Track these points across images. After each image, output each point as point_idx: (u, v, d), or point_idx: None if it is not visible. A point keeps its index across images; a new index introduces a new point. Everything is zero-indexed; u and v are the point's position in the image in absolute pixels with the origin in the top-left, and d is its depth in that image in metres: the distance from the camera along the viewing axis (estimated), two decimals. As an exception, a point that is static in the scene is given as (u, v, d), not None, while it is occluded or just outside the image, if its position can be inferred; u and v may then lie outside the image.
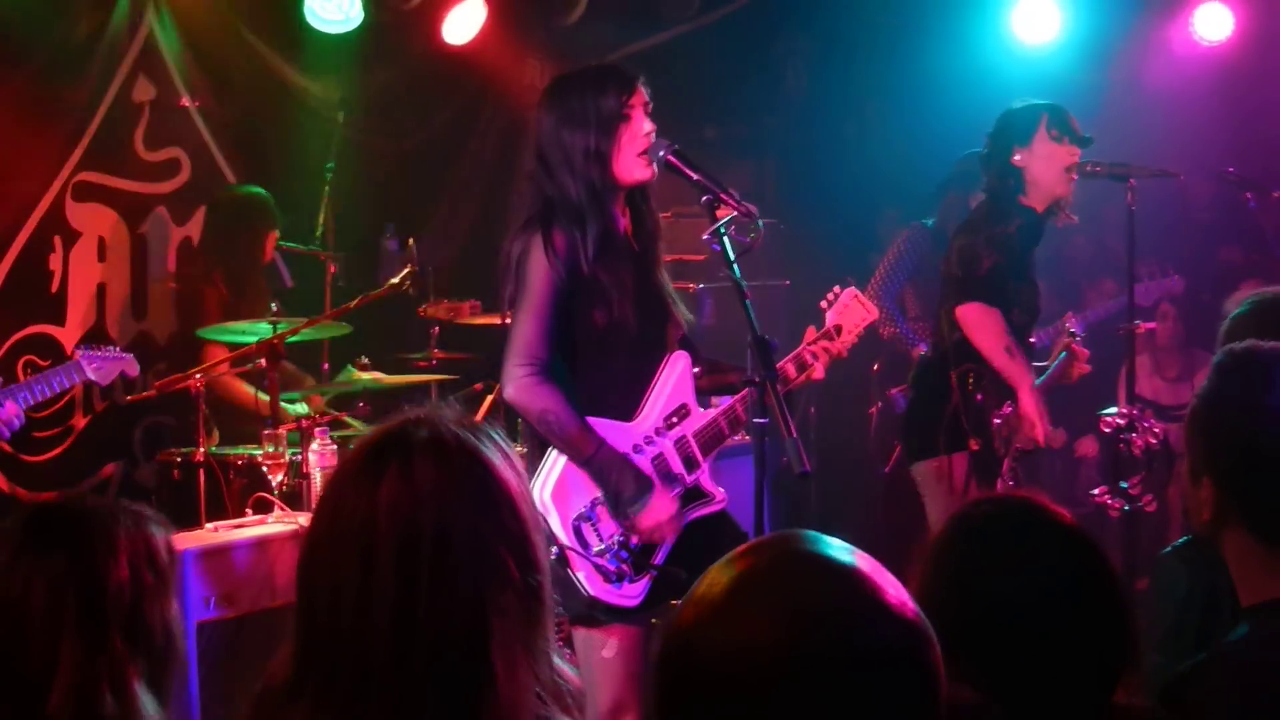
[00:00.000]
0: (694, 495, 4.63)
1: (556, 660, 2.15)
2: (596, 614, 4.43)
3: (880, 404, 8.31)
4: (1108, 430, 5.89)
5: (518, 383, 4.43)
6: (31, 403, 5.63)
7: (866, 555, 1.71)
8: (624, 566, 4.40)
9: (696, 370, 4.71)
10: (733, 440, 4.80)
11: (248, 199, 7.38)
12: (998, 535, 2.31)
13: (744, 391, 4.53)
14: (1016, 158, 5.84)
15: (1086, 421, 6.50)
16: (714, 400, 4.88)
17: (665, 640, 1.70)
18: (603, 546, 4.42)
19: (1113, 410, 5.96)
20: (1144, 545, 6.04)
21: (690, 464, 4.61)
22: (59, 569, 2.80)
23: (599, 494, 4.47)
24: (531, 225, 4.51)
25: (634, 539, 4.45)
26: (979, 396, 5.84)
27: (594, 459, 4.43)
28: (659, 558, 4.50)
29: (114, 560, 2.82)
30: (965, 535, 2.33)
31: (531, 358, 4.43)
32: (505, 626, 2.03)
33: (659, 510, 4.45)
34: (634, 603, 4.45)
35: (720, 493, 4.68)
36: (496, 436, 2.18)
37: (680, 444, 4.61)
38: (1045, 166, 5.84)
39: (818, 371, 4.74)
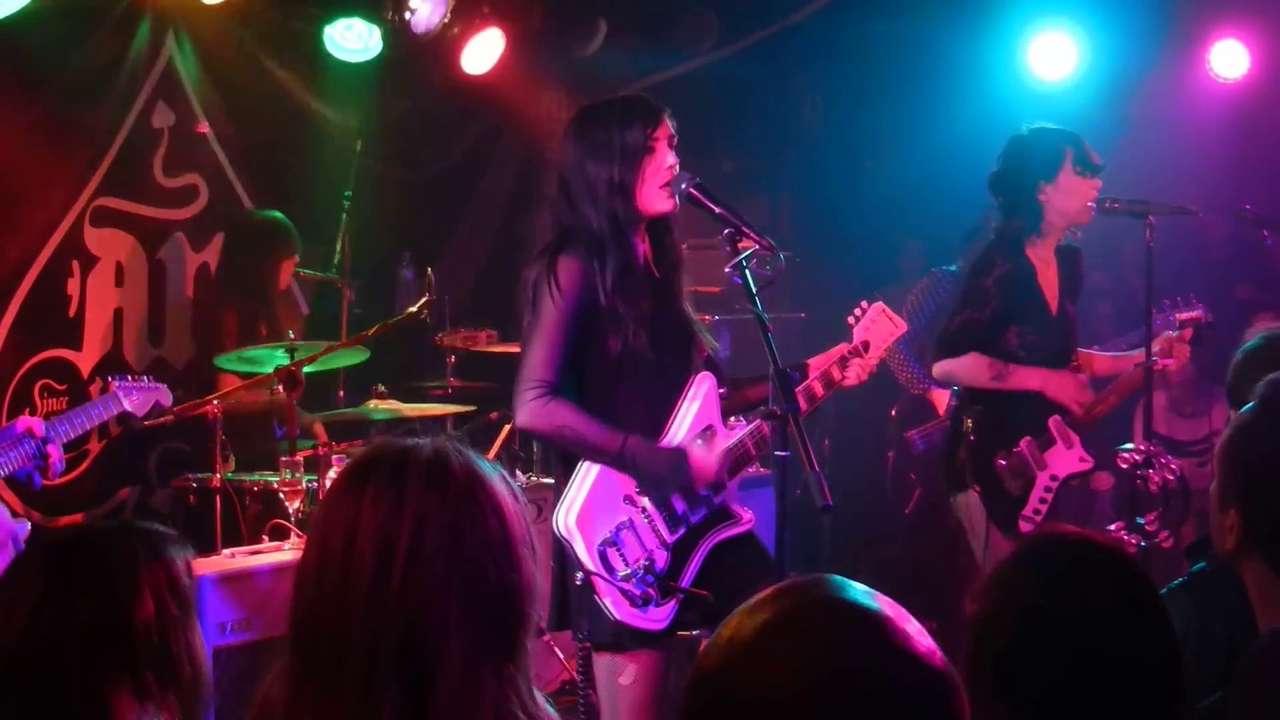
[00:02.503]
0: (720, 516, 4.62)
1: (541, 700, 2.20)
2: (623, 640, 4.41)
3: (896, 448, 8.33)
4: (1125, 466, 5.88)
5: (527, 407, 4.45)
6: (71, 437, 5.59)
7: (890, 600, 1.72)
8: (650, 590, 4.37)
9: (722, 391, 4.72)
10: (750, 472, 4.80)
11: (265, 225, 7.39)
12: (1058, 570, 2.30)
13: (751, 428, 4.60)
14: (1042, 195, 5.84)
15: (1104, 457, 6.47)
16: (731, 422, 4.87)
17: (693, 682, 1.71)
18: (628, 571, 4.40)
19: (1130, 446, 5.94)
20: (1159, 582, 6.02)
21: (716, 485, 4.60)
22: (86, 616, 2.71)
23: (624, 519, 4.47)
24: (547, 254, 4.53)
25: (659, 566, 4.45)
26: (972, 439, 5.89)
27: (624, 454, 4.44)
28: (685, 580, 4.50)
29: (138, 599, 2.75)
30: (1030, 572, 2.32)
31: (538, 381, 4.44)
32: (474, 636, 2.11)
33: (702, 467, 4.49)
34: (660, 626, 4.43)
35: (747, 513, 4.67)
36: (497, 469, 2.26)
37: None
38: (1068, 201, 5.85)
39: (848, 382, 4.78)
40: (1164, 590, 3.50)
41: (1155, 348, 5.92)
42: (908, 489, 8.29)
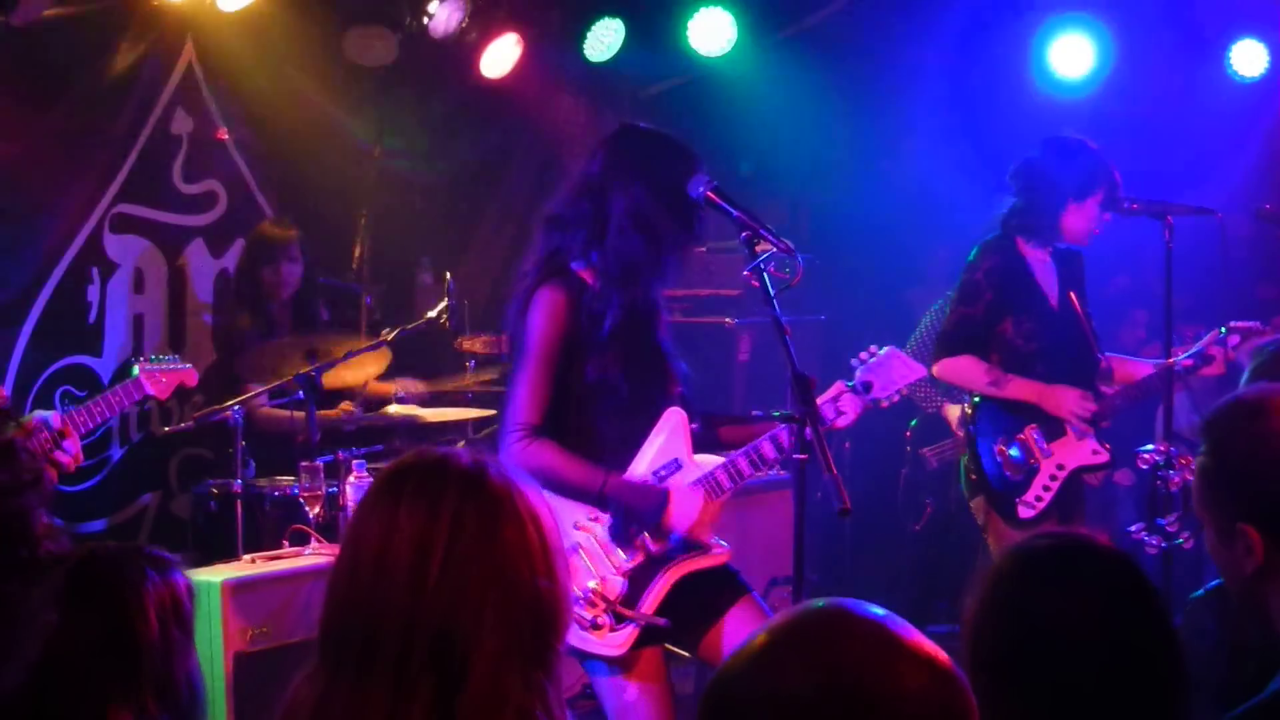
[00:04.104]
0: (687, 546, 4.49)
1: (568, 713, 2.24)
2: (581, 662, 4.43)
3: (909, 464, 8.32)
4: (1145, 467, 5.86)
5: (511, 451, 4.40)
6: (91, 427, 5.59)
7: (899, 617, 1.76)
8: (599, 615, 4.35)
9: (694, 426, 4.63)
10: (770, 475, 4.72)
11: (256, 233, 7.37)
12: (1043, 565, 2.30)
13: (747, 447, 4.49)
14: (1064, 209, 5.91)
15: (1125, 455, 6.46)
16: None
17: (706, 689, 1.76)
18: (578, 595, 4.35)
19: (1150, 447, 5.92)
20: (1179, 583, 6.00)
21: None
22: (98, 633, 2.80)
23: (572, 544, 4.41)
24: (536, 280, 4.53)
25: (612, 591, 4.39)
26: (973, 427, 5.98)
27: (605, 492, 4.40)
28: (644, 607, 4.41)
29: (145, 620, 2.84)
30: (1017, 566, 2.33)
31: (520, 424, 4.42)
32: (507, 641, 2.14)
33: (683, 511, 4.42)
34: (618, 651, 4.39)
35: (719, 546, 4.55)
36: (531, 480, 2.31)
37: None
38: (1083, 225, 5.99)
39: (842, 422, 4.63)
40: (1200, 592, 3.49)
41: (1199, 346, 5.98)
42: (920, 505, 8.28)
